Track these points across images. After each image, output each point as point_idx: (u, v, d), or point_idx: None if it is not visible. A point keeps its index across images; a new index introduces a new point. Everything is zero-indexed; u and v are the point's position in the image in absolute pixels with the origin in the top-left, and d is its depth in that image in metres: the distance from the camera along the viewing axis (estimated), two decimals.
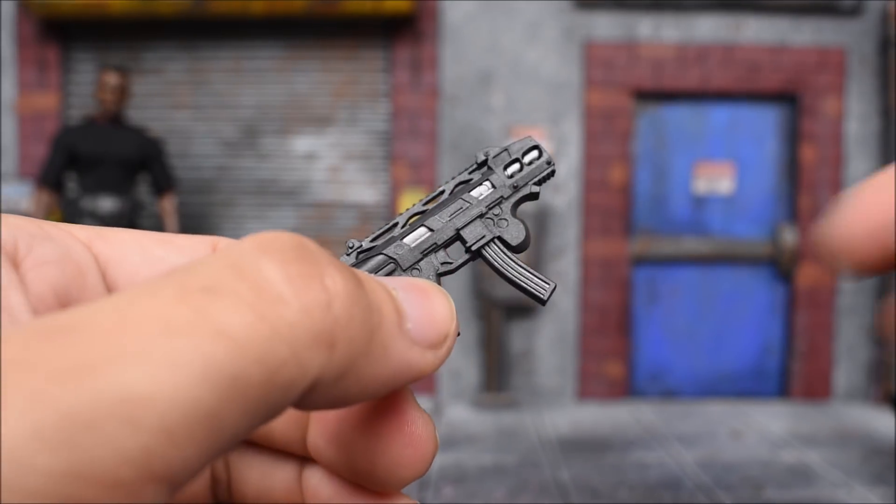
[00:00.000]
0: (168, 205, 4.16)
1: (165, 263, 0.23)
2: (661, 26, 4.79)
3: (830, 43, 4.80)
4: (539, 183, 0.27)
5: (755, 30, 4.81)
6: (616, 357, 4.82)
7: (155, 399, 0.14)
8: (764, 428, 4.16)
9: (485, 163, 0.27)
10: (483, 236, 0.26)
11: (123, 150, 4.03)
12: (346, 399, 0.19)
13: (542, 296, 0.27)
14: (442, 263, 0.26)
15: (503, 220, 0.27)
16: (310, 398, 0.17)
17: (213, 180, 4.92)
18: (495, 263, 0.27)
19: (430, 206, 0.27)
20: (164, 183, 4.16)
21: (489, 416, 4.46)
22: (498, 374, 4.72)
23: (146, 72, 4.87)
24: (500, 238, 0.27)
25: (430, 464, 0.23)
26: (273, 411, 0.16)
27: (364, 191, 4.88)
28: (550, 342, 4.81)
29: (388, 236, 0.26)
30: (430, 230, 0.26)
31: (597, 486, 3.23)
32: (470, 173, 0.27)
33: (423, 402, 4.69)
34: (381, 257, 0.26)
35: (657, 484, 3.27)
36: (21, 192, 4.70)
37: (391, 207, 4.78)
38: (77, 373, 0.13)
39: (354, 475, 0.23)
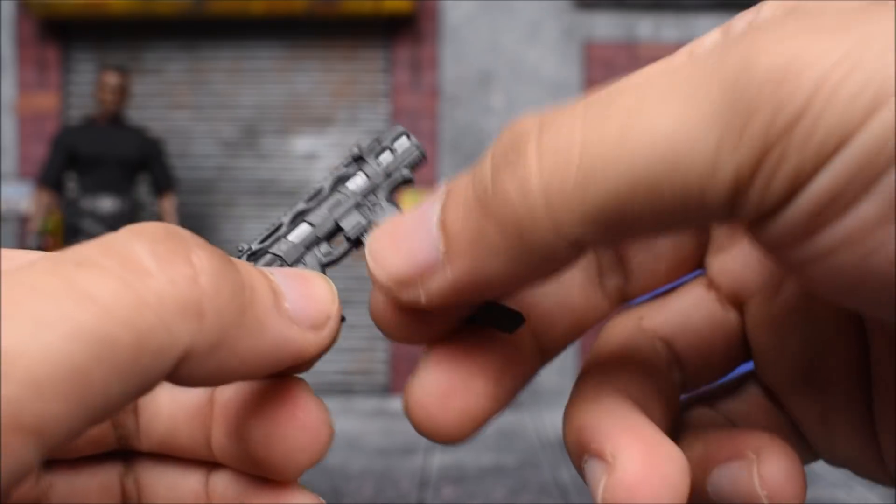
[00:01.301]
0: (168, 205, 4.16)
1: None
2: (661, 26, 4.79)
3: None
4: (410, 167, 0.28)
5: None
6: None
7: (22, 354, 0.15)
8: None
9: (359, 156, 0.28)
10: (360, 223, 0.28)
11: (123, 150, 4.03)
12: (225, 372, 0.20)
13: None
14: (325, 255, 0.28)
15: (378, 207, 0.28)
16: (187, 369, 0.18)
17: (213, 180, 4.93)
18: None
19: (311, 204, 0.29)
20: (164, 183, 4.16)
21: None
22: None
23: (146, 72, 4.87)
24: (376, 223, 0.28)
25: (327, 448, 0.24)
26: (148, 378, 0.17)
27: None
28: None
29: (275, 237, 0.28)
30: (312, 225, 0.28)
31: None
32: (346, 167, 0.29)
33: None
34: (268, 256, 0.27)
35: None
36: (21, 193, 4.70)
37: None
38: None
39: (254, 467, 0.24)
